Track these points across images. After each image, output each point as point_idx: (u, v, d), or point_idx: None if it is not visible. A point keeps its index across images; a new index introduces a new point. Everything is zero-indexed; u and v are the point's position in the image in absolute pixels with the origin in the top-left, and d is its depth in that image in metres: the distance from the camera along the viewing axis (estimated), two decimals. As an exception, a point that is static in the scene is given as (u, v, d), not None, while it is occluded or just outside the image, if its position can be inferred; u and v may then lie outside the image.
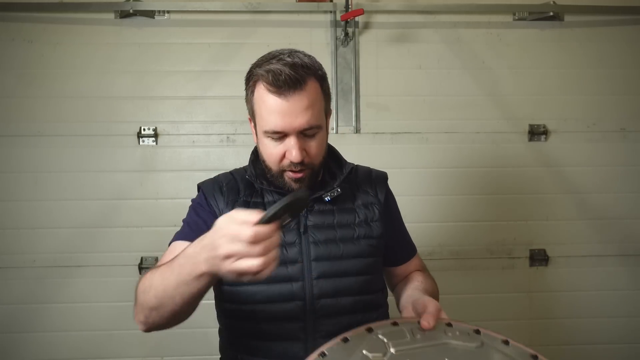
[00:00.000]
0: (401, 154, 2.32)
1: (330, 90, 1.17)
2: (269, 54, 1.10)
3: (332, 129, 2.25)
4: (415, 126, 2.32)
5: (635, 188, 2.36)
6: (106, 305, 2.27)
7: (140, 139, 2.27)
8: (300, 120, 1.04)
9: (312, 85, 1.06)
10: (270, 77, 1.02)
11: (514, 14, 2.36)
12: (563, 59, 2.36)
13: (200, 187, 1.26)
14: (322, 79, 1.10)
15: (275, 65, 1.03)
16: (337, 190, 1.16)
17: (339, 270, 1.12)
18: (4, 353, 2.24)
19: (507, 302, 2.35)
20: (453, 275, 2.32)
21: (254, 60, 1.11)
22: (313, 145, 1.09)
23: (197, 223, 1.17)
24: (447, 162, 2.33)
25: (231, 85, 2.26)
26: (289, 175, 1.10)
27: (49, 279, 2.25)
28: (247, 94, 1.13)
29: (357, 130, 2.30)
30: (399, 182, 2.37)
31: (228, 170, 1.28)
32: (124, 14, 2.25)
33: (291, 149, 1.05)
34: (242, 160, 2.42)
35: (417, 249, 1.36)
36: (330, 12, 2.29)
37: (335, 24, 2.29)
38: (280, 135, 1.06)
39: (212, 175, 1.29)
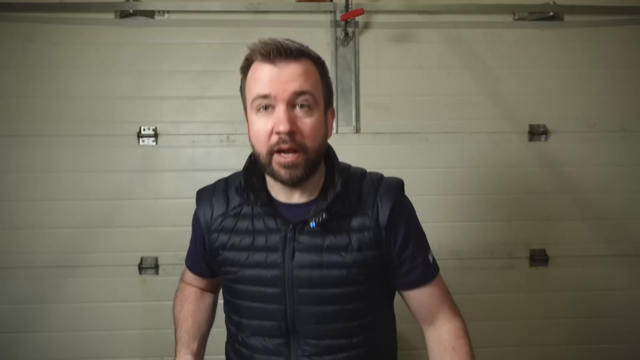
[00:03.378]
0: (401, 154, 2.31)
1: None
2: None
3: (332, 129, 2.24)
4: (415, 126, 2.32)
5: (635, 188, 2.36)
6: (106, 305, 2.27)
7: (140, 139, 2.27)
8: (289, 85, 0.96)
9: (306, 63, 1.00)
10: (260, 46, 0.98)
11: (514, 14, 2.36)
12: (563, 59, 2.36)
13: (196, 195, 1.23)
14: (318, 62, 1.04)
15: (267, 40, 0.98)
16: (322, 216, 1.03)
17: (321, 297, 1.06)
18: (4, 353, 2.24)
19: (507, 302, 2.35)
20: (453, 275, 2.31)
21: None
22: (307, 123, 0.99)
23: (195, 239, 1.24)
24: (447, 162, 2.33)
25: (231, 85, 2.24)
26: (278, 160, 0.99)
27: (49, 279, 2.25)
28: (241, 85, 1.08)
29: (357, 130, 2.30)
30: (399, 182, 2.39)
31: (227, 172, 1.26)
32: (124, 14, 2.25)
33: (279, 120, 0.96)
34: (242, 160, 2.42)
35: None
36: (330, 12, 2.29)
37: (335, 24, 2.29)
38: (268, 103, 0.98)
39: (211, 175, 1.29)
